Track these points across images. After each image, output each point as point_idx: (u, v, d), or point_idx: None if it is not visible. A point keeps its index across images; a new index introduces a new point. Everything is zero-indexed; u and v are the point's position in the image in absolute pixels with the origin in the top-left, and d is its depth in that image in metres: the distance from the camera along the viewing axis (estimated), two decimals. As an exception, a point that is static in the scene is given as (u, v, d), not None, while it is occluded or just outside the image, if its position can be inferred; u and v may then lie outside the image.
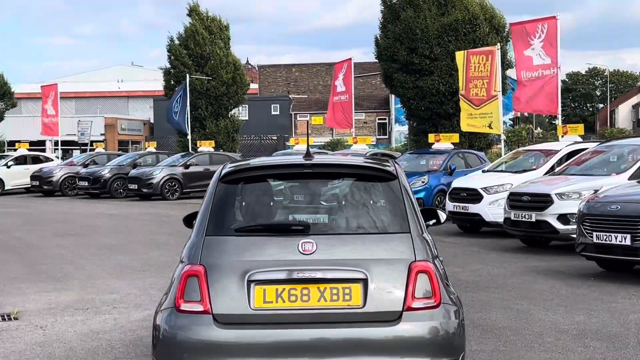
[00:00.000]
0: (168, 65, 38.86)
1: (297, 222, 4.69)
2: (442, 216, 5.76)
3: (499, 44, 23.51)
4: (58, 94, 38.34)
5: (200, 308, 4.32)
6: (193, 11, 38.77)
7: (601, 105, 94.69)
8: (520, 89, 20.85)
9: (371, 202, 4.80)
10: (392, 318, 4.30)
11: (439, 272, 4.52)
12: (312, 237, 4.46)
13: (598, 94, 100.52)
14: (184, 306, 4.35)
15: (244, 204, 4.87)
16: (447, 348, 4.31)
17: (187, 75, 35.78)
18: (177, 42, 38.66)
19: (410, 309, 4.32)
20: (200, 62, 37.93)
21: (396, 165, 5.09)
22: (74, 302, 9.10)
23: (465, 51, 23.02)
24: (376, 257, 4.42)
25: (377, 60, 30.85)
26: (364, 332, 4.25)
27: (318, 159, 5.03)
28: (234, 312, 4.30)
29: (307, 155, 5.00)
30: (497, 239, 14.86)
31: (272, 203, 4.98)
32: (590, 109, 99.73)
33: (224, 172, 4.93)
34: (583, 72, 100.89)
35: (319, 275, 4.33)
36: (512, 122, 55.44)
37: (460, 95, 22.73)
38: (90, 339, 7.30)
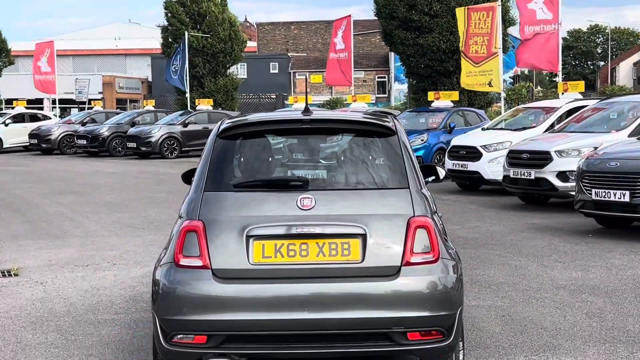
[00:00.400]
0: (165, 23, 38.54)
1: (296, 178, 4.68)
2: (441, 173, 5.74)
3: (499, 0, 23.24)
4: (54, 51, 38.04)
5: (199, 263, 4.33)
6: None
7: (602, 63, 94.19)
8: (523, 45, 20.69)
9: (370, 157, 4.78)
10: (391, 273, 4.31)
11: (437, 228, 4.52)
12: (311, 192, 4.45)
13: (599, 51, 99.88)
14: (183, 261, 4.36)
15: (242, 159, 4.85)
16: (445, 302, 4.32)
17: (186, 33, 35.48)
18: (174, -1, 38.30)
19: (408, 263, 4.33)
20: (198, 19, 37.64)
21: (395, 121, 5.06)
22: (74, 259, 9.14)
23: (466, 7, 22.79)
24: (375, 213, 4.42)
25: (376, 18, 30.55)
26: (362, 287, 4.26)
27: (317, 114, 4.99)
28: (233, 267, 4.31)
29: (306, 110, 4.96)
30: (496, 196, 14.89)
31: (270, 159, 4.95)
32: (591, 67, 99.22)
33: (222, 127, 4.90)
34: (584, 30, 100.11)
35: (317, 230, 4.33)
36: (512, 81, 55.18)
37: (461, 52, 22.54)
38: (91, 295, 7.34)
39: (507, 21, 26.48)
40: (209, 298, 4.25)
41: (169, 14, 37.95)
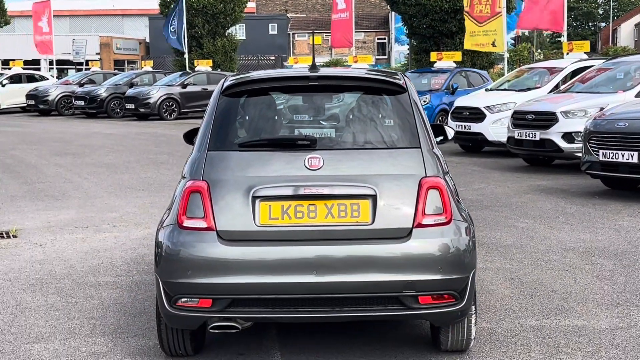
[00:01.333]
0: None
1: (303, 137, 4.50)
2: (450, 133, 5.54)
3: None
4: (52, 11, 37.53)
5: (203, 224, 4.18)
6: None
7: (603, 24, 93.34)
8: (527, 5, 20.37)
9: (380, 116, 4.61)
10: (402, 235, 4.16)
11: (449, 189, 4.36)
12: (318, 152, 4.28)
13: (600, 12, 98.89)
14: (187, 222, 4.21)
15: (247, 118, 4.68)
16: (458, 265, 4.18)
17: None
18: (172, -43, 37.67)
19: (420, 225, 4.18)
20: (197, -22, 37.07)
21: (405, 78, 4.88)
22: (74, 221, 9.00)
23: (470, -34, 22.41)
24: (385, 173, 4.26)
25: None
26: (372, 249, 4.12)
27: (324, 71, 4.81)
28: (239, 228, 4.16)
29: (313, 67, 4.78)
30: (500, 158, 14.73)
31: (276, 117, 4.78)
32: (592, 28, 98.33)
33: (226, 84, 4.71)
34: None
35: (326, 191, 4.17)
36: (513, 42, 54.65)
37: (464, 12, 22.21)
38: (91, 257, 7.21)
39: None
40: (214, 260, 4.11)
41: (167, -27, 37.38)
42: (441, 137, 5.38)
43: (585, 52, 17.43)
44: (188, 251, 4.15)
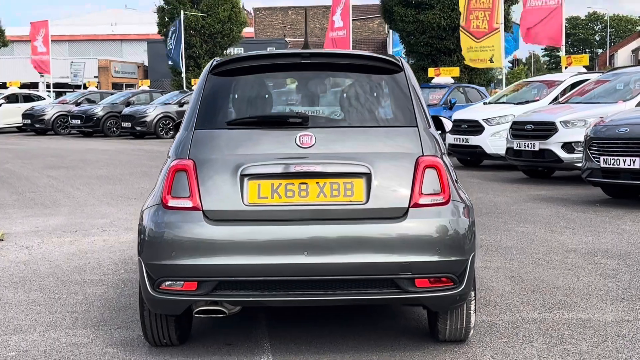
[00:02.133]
0: (162, 3, 37.98)
1: (294, 114, 4.31)
2: (448, 125, 5.32)
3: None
4: (49, 32, 37.54)
5: (189, 204, 3.97)
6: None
7: (600, 51, 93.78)
8: (526, 20, 20.30)
9: (375, 94, 4.43)
10: (398, 215, 3.96)
11: (447, 168, 4.17)
12: (311, 130, 4.09)
13: (597, 39, 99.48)
14: (172, 202, 4.00)
15: (236, 96, 4.48)
16: (456, 247, 3.97)
17: (182, 12, 34.97)
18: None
19: (417, 205, 3.98)
20: (196, -1, 37.17)
21: (402, 59, 4.70)
22: (62, 226, 8.78)
23: (467, -17, 22.39)
24: (380, 151, 4.07)
25: (374, 2, 30.13)
26: (366, 229, 3.91)
27: (317, 49, 4.62)
28: (226, 208, 3.96)
29: (305, 46, 4.60)
30: (499, 171, 14.54)
31: (267, 95, 4.59)
32: (589, 55, 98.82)
33: (214, 63, 4.54)
34: (582, 17, 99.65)
35: (318, 169, 3.97)
36: (511, 65, 54.80)
37: (460, 28, 22.15)
38: (78, 258, 6.99)
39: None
40: (200, 241, 3.90)
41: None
42: (439, 132, 5.17)
43: (584, 66, 17.30)
44: (172, 232, 3.95)
